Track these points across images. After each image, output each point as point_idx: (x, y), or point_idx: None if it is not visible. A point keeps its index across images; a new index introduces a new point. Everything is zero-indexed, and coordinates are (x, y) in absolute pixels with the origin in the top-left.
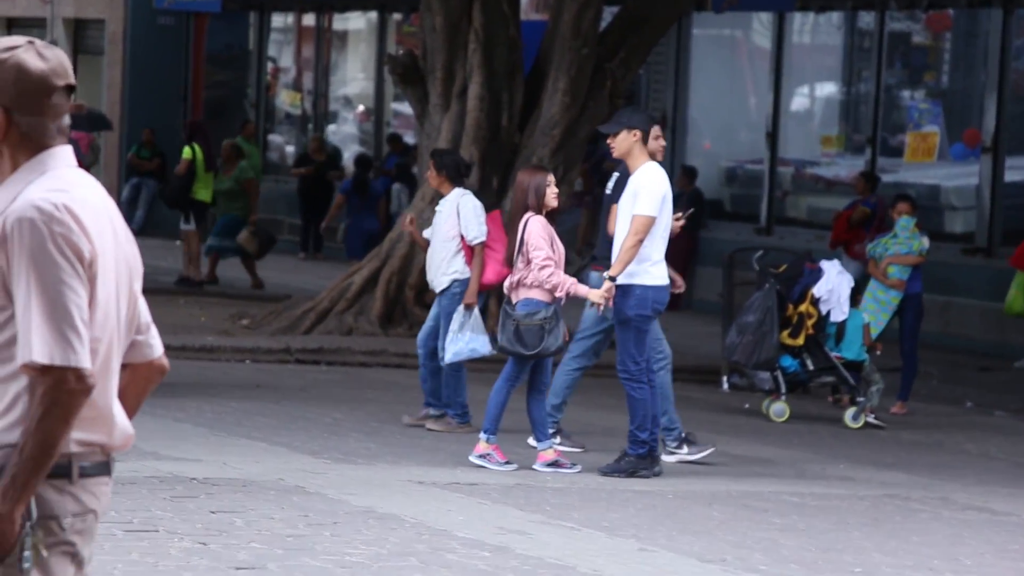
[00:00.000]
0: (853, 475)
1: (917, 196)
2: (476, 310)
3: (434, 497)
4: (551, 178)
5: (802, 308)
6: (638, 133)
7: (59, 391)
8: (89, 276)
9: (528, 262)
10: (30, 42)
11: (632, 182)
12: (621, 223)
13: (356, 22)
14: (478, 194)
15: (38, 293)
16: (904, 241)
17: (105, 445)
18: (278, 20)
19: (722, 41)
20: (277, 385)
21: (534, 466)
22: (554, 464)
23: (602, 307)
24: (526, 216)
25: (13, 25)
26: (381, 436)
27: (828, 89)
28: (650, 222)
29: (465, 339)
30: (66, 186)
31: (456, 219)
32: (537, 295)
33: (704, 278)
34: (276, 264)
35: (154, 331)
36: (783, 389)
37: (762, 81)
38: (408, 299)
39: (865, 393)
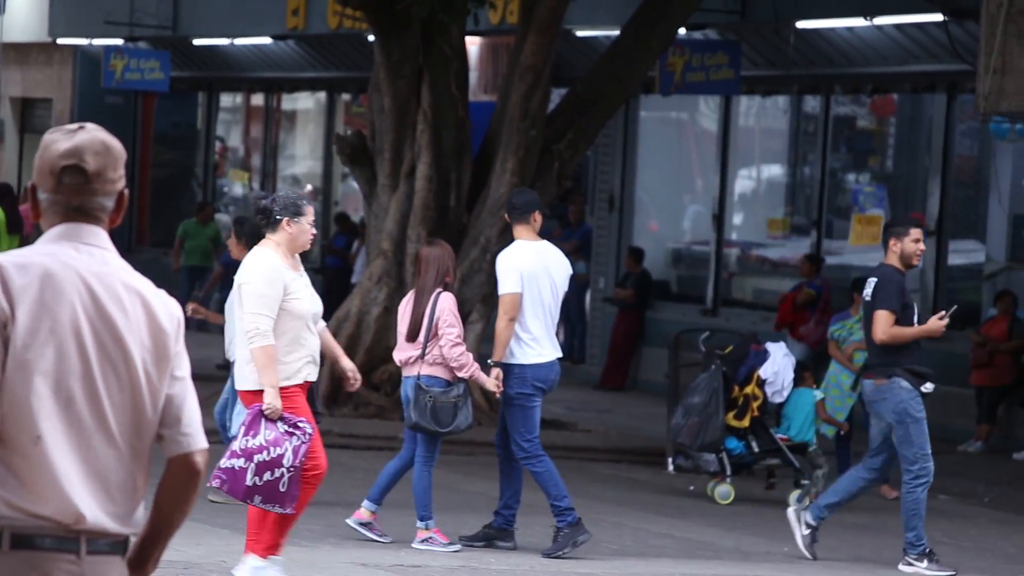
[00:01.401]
0: (798, 557)
1: (862, 279)
2: None
3: None
4: (452, 252)
5: (748, 390)
6: (506, 216)
7: None
8: (3, 337)
9: (435, 337)
10: (80, 127)
11: (498, 262)
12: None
13: (305, 102)
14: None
15: None
16: None
17: (48, 517)
18: (226, 100)
19: (669, 123)
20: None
21: (413, 544)
22: (366, 525)
23: (497, 393)
24: (436, 291)
25: None
26: (325, 518)
27: (774, 171)
28: (514, 298)
29: None
30: (27, 251)
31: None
32: (439, 372)
33: (650, 359)
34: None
35: (186, 427)
36: (728, 471)
37: (709, 163)
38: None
39: (810, 476)
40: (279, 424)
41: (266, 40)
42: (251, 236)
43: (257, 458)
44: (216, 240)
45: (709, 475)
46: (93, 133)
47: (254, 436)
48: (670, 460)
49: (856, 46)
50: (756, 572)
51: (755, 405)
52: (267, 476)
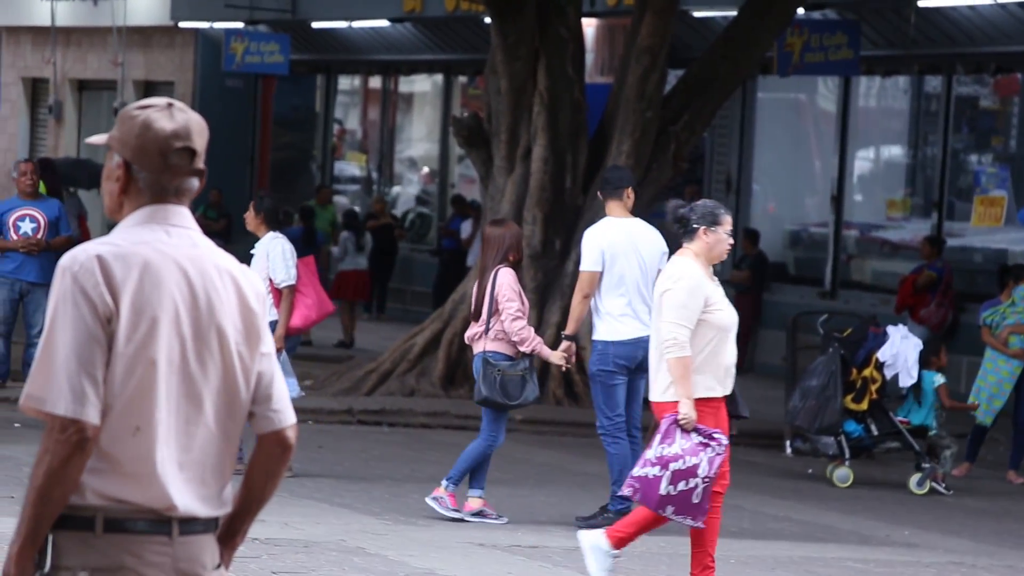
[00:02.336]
0: (918, 542)
1: (983, 261)
2: (284, 354)
3: (495, 559)
4: (520, 230)
5: (866, 372)
6: (600, 194)
7: (51, 439)
8: (108, 331)
9: (497, 313)
10: (169, 104)
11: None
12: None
13: (422, 84)
14: (540, 255)
15: (48, 339)
16: None
17: (145, 505)
18: (345, 83)
19: (787, 104)
20: (339, 446)
21: (462, 515)
22: (479, 514)
23: (564, 367)
24: (496, 268)
25: (84, 87)
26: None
27: (894, 152)
28: (591, 276)
29: None
30: (121, 240)
31: (266, 262)
32: (503, 348)
33: (767, 341)
34: (340, 324)
35: (277, 404)
36: (847, 454)
37: (827, 144)
38: (470, 360)
39: (938, 458)
40: (693, 435)
41: (384, 23)
42: (270, 212)
43: (673, 466)
44: (334, 222)
45: (828, 458)
46: (190, 112)
47: (669, 444)
48: (788, 443)
49: (979, 25)
50: (876, 556)
51: (874, 388)
52: (681, 486)
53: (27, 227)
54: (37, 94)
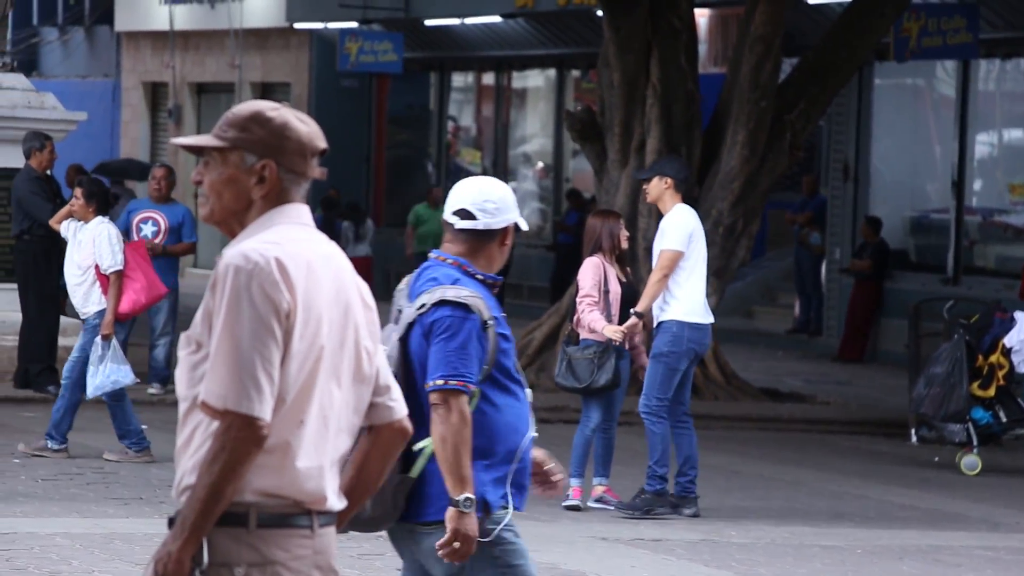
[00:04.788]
0: None
1: None
2: (115, 340)
3: (618, 553)
4: (621, 221)
5: (992, 359)
6: (669, 181)
7: (228, 436)
8: (286, 328)
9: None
10: (282, 104)
11: (662, 224)
12: (654, 259)
13: (535, 80)
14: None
15: (226, 338)
16: None
17: (295, 499)
18: (458, 80)
19: (905, 90)
20: None
21: (588, 502)
22: (600, 500)
23: (617, 341)
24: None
25: (203, 90)
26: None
27: (1015, 136)
28: (676, 256)
29: (106, 371)
30: (282, 240)
31: (92, 247)
32: (586, 335)
33: (889, 329)
34: None
35: (395, 393)
36: (975, 441)
37: (947, 129)
38: None
39: None
40: None
41: (496, 19)
42: (100, 197)
43: None
44: None
45: (955, 446)
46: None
47: None
48: (913, 431)
49: None
50: (1006, 543)
51: (1001, 374)
52: None
53: (148, 230)
54: (157, 98)
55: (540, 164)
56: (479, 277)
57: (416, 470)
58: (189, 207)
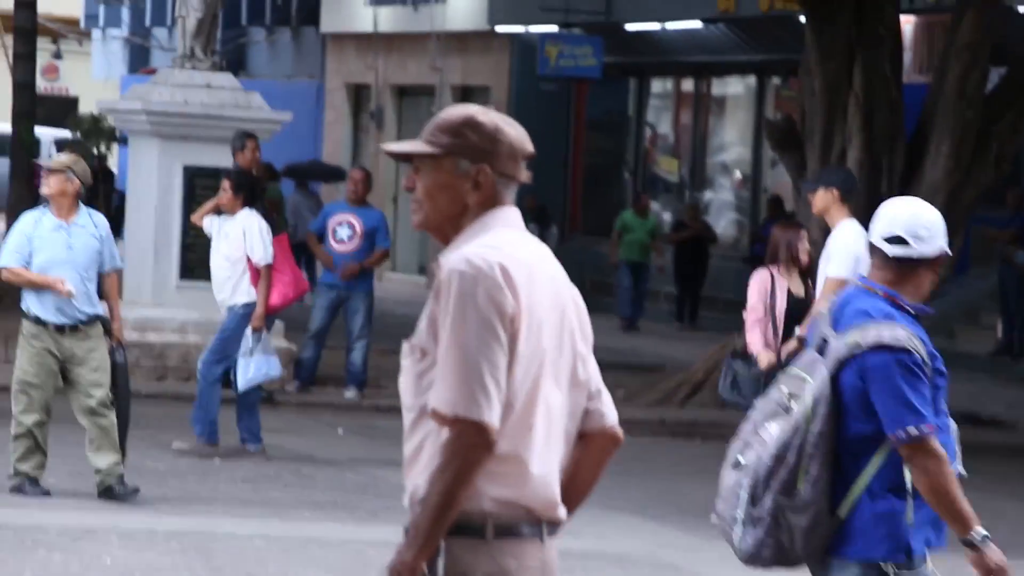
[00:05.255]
0: None
1: None
2: (265, 332)
3: None
4: (804, 234)
5: None
6: (835, 191)
7: (459, 443)
8: (511, 332)
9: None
10: (488, 109)
11: (828, 242)
12: (819, 284)
13: (734, 87)
14: None
15: (454, 344)
16: None
17: (528, 508)
18: (657, 86)
19: None
20: (650, 458)
21: None
22: None
23: (764, 368)
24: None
25: (404, 93)
26: None
27: None
28: (841, 283)
29: (258, 363)
30: (502, 244)
31: (243, 240)
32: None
33: None
34: (651, 334)
35: (606, 399)
36: None
37: None
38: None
39: None
40: None
41: (697, 24)
42: (247, 189)
43: None
44: (654, 233)
45: None
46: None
47: None
48: None
49: None
50: None
51: None
52: None
53: (343, 233)
54: (360, 100)
55: (738, 174)
56: (910, 310)
57: (845, 510)
58: (385, 212)
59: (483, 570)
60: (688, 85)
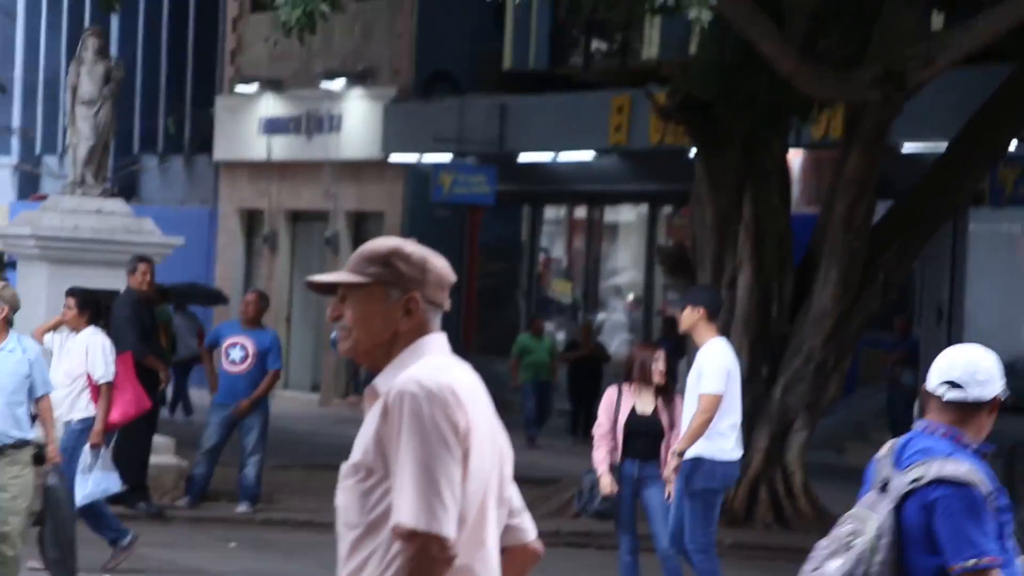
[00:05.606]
0: None
1: None
2: (104, 449)
3: None
4: (661, 354)
5: None
6: (702, 310)
7: (422, 557)
8: (464, 448)
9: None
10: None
11: (698, 360)
12: (688, 400)
13: (627, 214)
14: (747, 382)
15: (410, 461)
16: None
17: None
18: (551, 213)
19: (1000, 235)
20: (548, 569)
21: None
22: None
23: (607, 491)
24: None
25: (298, 218)
26: None
27: None
28: (716, 400)
29: (96, 479)
30: (444, 367)
31: (85, 357)
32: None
33: None
34: (548, 448)
35: (527, 516)
36: None
37: None
38: None
39: None
40: None
41: (589, 155)
42: (92, 307)
43: None
44: (552, 353)
45: None
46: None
47: None
48: None
49: None
50: None
51: None
52: None
53: (236, 355)
54: (253, 225)
55: (631, 296)
56: (973, 448)
57: None
58: (279, 332)
59: None
60: (581, 212)
